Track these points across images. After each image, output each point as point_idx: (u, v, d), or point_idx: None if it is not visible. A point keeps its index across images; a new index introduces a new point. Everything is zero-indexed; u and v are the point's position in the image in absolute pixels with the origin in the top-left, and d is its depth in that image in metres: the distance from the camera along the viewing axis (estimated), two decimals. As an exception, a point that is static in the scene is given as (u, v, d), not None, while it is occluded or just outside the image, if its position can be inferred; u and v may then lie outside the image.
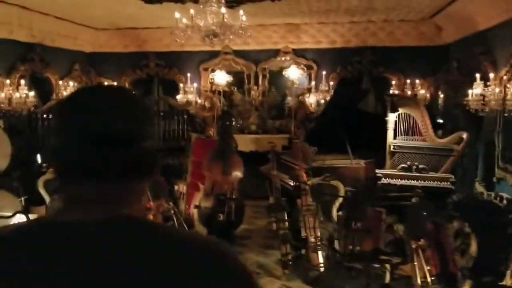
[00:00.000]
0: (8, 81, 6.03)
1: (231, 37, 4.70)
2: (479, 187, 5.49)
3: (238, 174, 6.10)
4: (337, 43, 7.67)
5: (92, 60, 8.14)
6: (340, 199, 5.12)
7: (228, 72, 7.98)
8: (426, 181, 5.32)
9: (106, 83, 7.91)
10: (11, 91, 5.96)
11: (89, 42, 7.97)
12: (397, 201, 4.10)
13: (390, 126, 5.80)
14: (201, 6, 4.47)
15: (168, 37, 7.90)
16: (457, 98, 6.74)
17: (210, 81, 8.04)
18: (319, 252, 4.65)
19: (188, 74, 7.84)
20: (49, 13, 6.55)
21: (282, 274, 4.86)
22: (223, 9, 4.42)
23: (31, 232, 0.89)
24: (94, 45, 8.07)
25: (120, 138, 0.88)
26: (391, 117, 5.76)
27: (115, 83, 7.99)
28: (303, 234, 4.85)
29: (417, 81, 7.34)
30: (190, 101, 7.56)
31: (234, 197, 5.96)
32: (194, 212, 5.96)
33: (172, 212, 5.74)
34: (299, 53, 7.77)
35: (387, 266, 3.58)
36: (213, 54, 8.02)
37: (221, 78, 7.94)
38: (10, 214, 3.45)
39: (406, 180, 5.43)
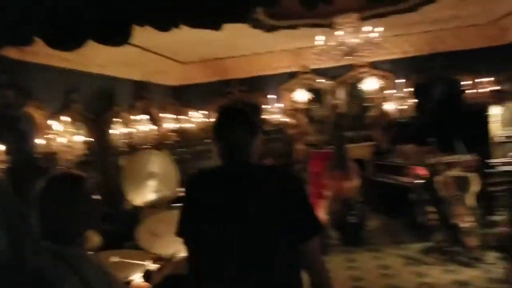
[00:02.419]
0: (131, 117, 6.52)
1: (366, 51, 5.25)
2: None
3: (357, 179, 6.58)
4: (409, 52, 8.30)
5: (178, 93, 8.64)
6: (475, 188, 5.64)
7: (308, 90, 8.53)
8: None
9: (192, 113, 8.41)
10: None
11: (174, 76, 8.46)
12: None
13: (494, 119, 6.36)
14: (339, 27, 5.03)
15: (250, 64, 8.50)
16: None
17: (292, 100, 8.56)
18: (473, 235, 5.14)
19: (271, 96, 8.36)
20: (157, 52, 7.06)
21: (434, 261, 5.31)
22: (367, 28, 4.99)
23: None
24: (179, 79, 8.57)
25: None
26: (496, 111, 6.32)
27: (204, 112, 8.49)
28: (452, 221, 5.32)
29: (489, 79, 7.94)
30: (280, 121, 8.06)
31: (360, 200, 6.45)
32: (325, 219, 6.39)
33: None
34: (374, 65, 8.36)
35: None
36: (293, 75, 8.59)
37: (302, 96, 8.48)
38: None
39: (521, 165, 5.96)
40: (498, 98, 6.21)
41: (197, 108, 8.57)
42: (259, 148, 2.00)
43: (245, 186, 1.89)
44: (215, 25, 2.21)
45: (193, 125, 8.29)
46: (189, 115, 8.30)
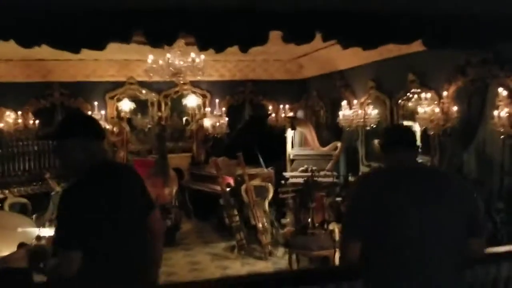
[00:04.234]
0: None
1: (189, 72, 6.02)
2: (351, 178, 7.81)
3: (175, 186, 7.27)
4: (225, 76, 9.41)
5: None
6: (270, 196, 6.86)
7: (133, 100, 8.93)
8: (319, 178, 7.40)
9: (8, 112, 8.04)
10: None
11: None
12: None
13: (289, 140, 7.77)
14: (174, 50, 5.70)
15: (74, 69, 8.51)
16: (317, 117, 9.27)
17: (117, 108, 8.84)
18: (267, 234, 6.28)
19: (95, 103, 8.52)
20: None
21: (236, 256, 6.28)
22: (192, 54, 5.74)
23: None
24: (-6, 75, 8.07)
25: None
26: (290, 134, 7.74)
27: (19, 112, 8.17)
28: (252, 222, 6.38)
29: (287, 106, 9.54)
30: (107, 128, 8.26)
31: (176, 205, 7.14)
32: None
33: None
34: (195, 84, 9.22)
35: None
36: (118, 84, 8.88)
37: (126, 105, 8.84)
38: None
39: (306, 178, 7.41)
40: (291, 123, 7.62)
41: (12, 107, 8.19)
42: None
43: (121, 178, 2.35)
44: (74, 50, 2.65)
45: (7, 125, 7.92)
46: (4, 115, 7.91)
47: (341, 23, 2.96)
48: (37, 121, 8.25)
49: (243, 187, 6.71)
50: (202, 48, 2.86)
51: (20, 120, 8.05)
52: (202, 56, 6.16)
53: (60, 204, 2.16)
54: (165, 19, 2.63)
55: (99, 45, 2.65)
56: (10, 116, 8.03)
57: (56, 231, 2.20)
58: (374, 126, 7.27)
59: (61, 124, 2.31)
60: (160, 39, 2.75)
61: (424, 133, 6.17)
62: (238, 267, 5.97)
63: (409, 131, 2.38)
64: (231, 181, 7.37)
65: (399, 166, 2.20)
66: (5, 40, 2.57)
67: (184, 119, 9.34)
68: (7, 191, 6.28)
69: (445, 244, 2.05)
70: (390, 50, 6.36)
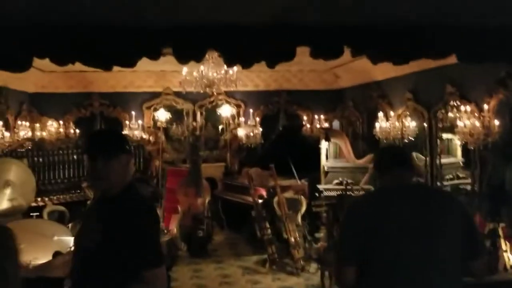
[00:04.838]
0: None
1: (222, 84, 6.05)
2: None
3: (208, 196, 7.30)
4: (260, 86, 9.43)
5: (36, 100, 8.46)
6: (303, 209, 6.77)
7: (169, 110, 9.08)
8: (355, 191, 7.25)
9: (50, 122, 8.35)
10: None
11: (33, 83, 8.27)
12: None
13: (323, 152, 7.66)
14: (208, 62, 5.76)
15: (114, 79, 8.74)
16: (353, 128, 9.12)
17: (153, 118, 9.02)
18: (299, 249, 6.19)
19: (133, 112, 8.71)
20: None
21: (267, 270, 6.22)
22: (225, 66, 5.78)
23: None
24: (38, 86, 8.40)
25: None
26: (324, 145, 7.63)
27: (61, 122, 8.47)
28: (284, 236, 6.31)
29: (322, 116, 9.44)
30: (140, 137, 8.43)
31: (209, 216, 7.16)
32: (176, 231, 6.93)
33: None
34: (229, 94, 9.28)
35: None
36: (155, 95, 9.06)
37: (162, 115, 9.00)
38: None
39: (340, 191, 7.27)
40: (326, 134, 7.51)
41: (55, 117, 8.50)
42: None
43: None
44: (107, 67, 2.70)
45: (49, 134, 8.20)
46: (46, 124, 8.21)
47: (370, 38, 2.89)
48: (77, 130, 8.52)
49: (276, 199, 6.66)
50: (229, 64, 2.86)
51: (61, 129, 8.33)
52: (235, 68, 6.19)
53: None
54: (192, 37, 2.64)
55: (130, 63, 2.69)
56: (52, 126, 8.33)
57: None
58: (412, 139, 7.10)
59: (103, 143, 2.17)
60: (188, 56, 2.76)
61: (464, 147, 5.97)
62: (269, 282, 5.90)
63: (404, 151, 2.54)
64: (263, 192, 7.33)
65: (394, 185, 2.25)
66: (41, 58, 2.65)
67: (220, 127, 9.41)
68: (46, 199, 6.49)
69: (443, 260, 2.07)
70: (427, 62, 6.15)
